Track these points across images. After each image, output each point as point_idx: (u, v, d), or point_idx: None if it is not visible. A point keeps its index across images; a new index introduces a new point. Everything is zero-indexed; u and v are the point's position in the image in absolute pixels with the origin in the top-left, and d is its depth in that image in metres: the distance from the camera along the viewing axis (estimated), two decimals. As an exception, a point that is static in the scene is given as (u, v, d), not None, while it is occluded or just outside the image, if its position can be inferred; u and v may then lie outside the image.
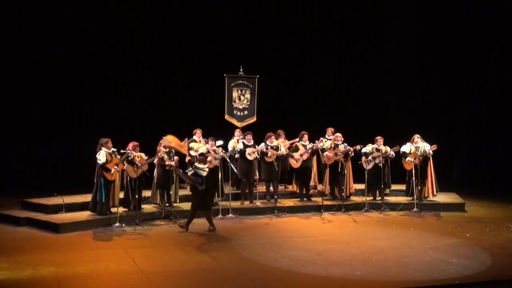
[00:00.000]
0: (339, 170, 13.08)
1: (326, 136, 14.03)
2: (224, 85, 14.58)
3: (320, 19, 17.90)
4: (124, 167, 11.61)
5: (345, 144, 13.24)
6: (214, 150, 12.48)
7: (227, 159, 12.49)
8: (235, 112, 14.65)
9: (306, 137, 13.48)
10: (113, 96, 16.13)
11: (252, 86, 14.76)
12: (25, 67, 15.39)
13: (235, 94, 14.67)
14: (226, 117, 14.63)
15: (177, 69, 16.77)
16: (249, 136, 13.16)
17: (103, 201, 11.38)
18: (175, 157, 12.11)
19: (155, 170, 12.37)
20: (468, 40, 17.09)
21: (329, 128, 14.15)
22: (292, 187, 14.18)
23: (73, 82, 15.90)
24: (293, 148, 13.45)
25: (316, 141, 13.41)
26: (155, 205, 12.55)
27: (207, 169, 10.68)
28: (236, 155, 12.97)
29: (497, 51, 16.83)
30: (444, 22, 17.40)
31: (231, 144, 13.22)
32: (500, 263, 8.54)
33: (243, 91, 14.71)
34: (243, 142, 13.14)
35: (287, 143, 13.81)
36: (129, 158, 11.47)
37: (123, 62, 16.18)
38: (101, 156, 11.29)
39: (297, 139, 13.60)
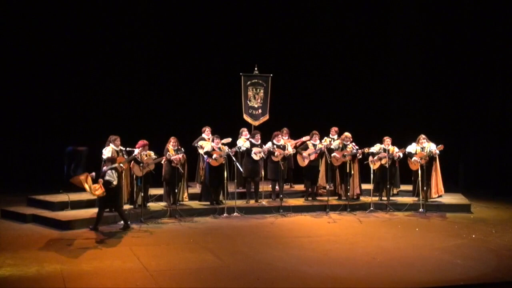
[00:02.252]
0: (348, 171, 13.07)
1: (330, 135, 13.99)
2: (240, 84, 14.62)
3: (328, 20, 17.88)
4: (131, 165, 11.65)
5: (354, 144, 13.21)
6: (219, 148, 12.50)
7: (233, 157, 12.48)
8: (250, 111, 14.70)
9: (316, 137, 13.47)
10: (123, 93, 16.18)
11: (266, 85, 14.81)
12: (30, 64, 15.49)
13: (250, 93, 14.73)
14: (244, 116, 14.67)
15: (188, 67, 16.81)
16: (258, 136, 13.15)
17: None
18: (182, 155, 12.11)
19: (163, 167, 12.38)
20: (475, 40, 17.03)
21: (333, 128, 14.12)
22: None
23: (81, 79, 15.97)
24: (303, 146, 13.44)
25: (323, 143, 13.38)
26: (165, 204, 12.50)
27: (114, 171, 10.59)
28: (242, 149, 12.97)
29: (504, 51, 16.76)
30: (450, 22, 17.35)
31: (241, 143, 13.22)
32: (506, 265, 8.50)
33: (258, 90, 14.76)
34: (250, 141, 13.13)
35: (292, 142, 13.79)
36: (135, 157, 11.49)
37: (134, 59, 16.25)
38: (107, 152, 11.36)
39: (304, 138, 13.57)
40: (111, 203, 10.81)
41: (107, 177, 10.47)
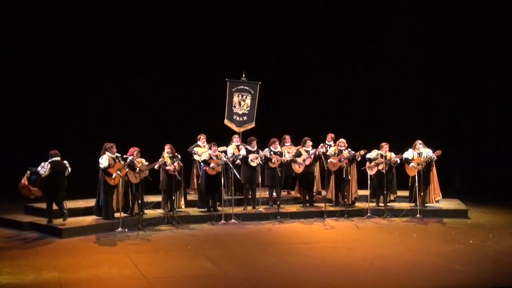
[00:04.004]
0: (344, 176, 13.07)
1: (327, 141, 13.99)
2: (225, 90, 14.61)
3: (322, 24, 17.91)
4: (126, 172, 11.64)
5: (349, 149, 13.23)
6: (216, 156, 12.50)
7: (230, 165, 12.50)
8: (234, 117, 14.68)
9: (309, 143, 13.46)
10: (116, 100, 16.17)
11: (254, 92, 14.79)
12: (26, 68, 15.44)
13: (235, 99, 14.70)
14: (226, 121, 14.66)
15: (181, 74, 16.83)
16: (254, 143, 13.16)
17: (99, 204, 11.53)
18: (178, 163, 12.11)
19: (160, 175, 12.37)
20: (471, 45, 17.09)
21: (330, 134, 14.12)
22: (295, 193, 14.13)
23: (74, 87, 15.98)
24: (296, 153, 13.44)
25: (319, 147, 13.38)
26: (163, 211, 12.46)
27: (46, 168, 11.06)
28: (237, 161, 12.97)
29: (500, 56, 16.82)
30: (447, 26, 17.41)
31: (230, 150, 13.24)
32: (503, 270, 8.51)
33: (244, 97, 14.73)
34: (246, 148, 13.14)
35: (294, 148, 13.78)
36: (132, 164, 11.49)
37: (125, 65, 16.24)
38: (104, 160, 11.34)
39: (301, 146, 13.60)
40: (49, 196, 11.21)
41: (38, 168, 11.01)
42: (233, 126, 14.66)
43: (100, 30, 16.00)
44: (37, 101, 15.62)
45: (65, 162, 11.42)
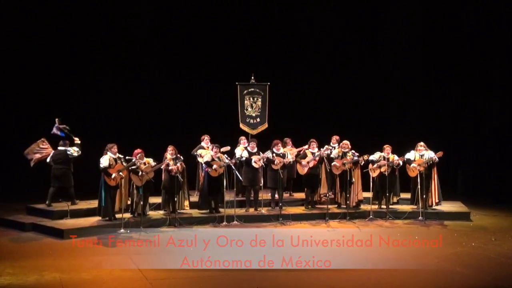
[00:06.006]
0: (348, 179, 13.05)
1: (331, 144, 13.99)
2: (236, 93, 14.62)
3: (324, 26, 17.90)
4: (130, 175, 11.64)
5: (353, 151, 13.19)
6: (218, 158, 12.49)
7: (233, 166, 12.49)
8: (247, 120, 14.69)
9: (314, 144, 13.42)
10: (121, 101, 16.20)
11: (263, 93, 14.80)
12: (27, 68, 15.48)
13: (247, 102, 14.71)
14: (241, 125, 14.66)
15: (186, 75, 16.86)
16: (253, 144, 13.16)
17: (103, 204, 11.53)
18: (181, 163, 12.11)
19: (163, 175, 12.37)
20: (474, 46, 17.06)
21: (334, 136, 14.13)
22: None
23: (78, 88, 16.00)
24: (301, 155, 13.43)
25: (322, 149, 13.36)
26: (164, 212, 12.47)
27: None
28: (243, 158, 12.97)
29: (503, 58, 16.79)
30: (449, 28, 17.39)
31: (239, 152, 13.24)
32: (505, 273, 8.48)
33: (255, 99, 14.74)
34: (247, 150, 13.14)
35: (295, 150, 13.77)
36: (135, 167, 11.47)
37: (132, 65, 16.29)
38: (104, 160, 11.37)
39: (305, 147, 13.58)
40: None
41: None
42: (247, 129, 14.66)
43: (105, 30, 16.04)
44: (40, 102, 15.65)
45: (69, 148, 12.50)
